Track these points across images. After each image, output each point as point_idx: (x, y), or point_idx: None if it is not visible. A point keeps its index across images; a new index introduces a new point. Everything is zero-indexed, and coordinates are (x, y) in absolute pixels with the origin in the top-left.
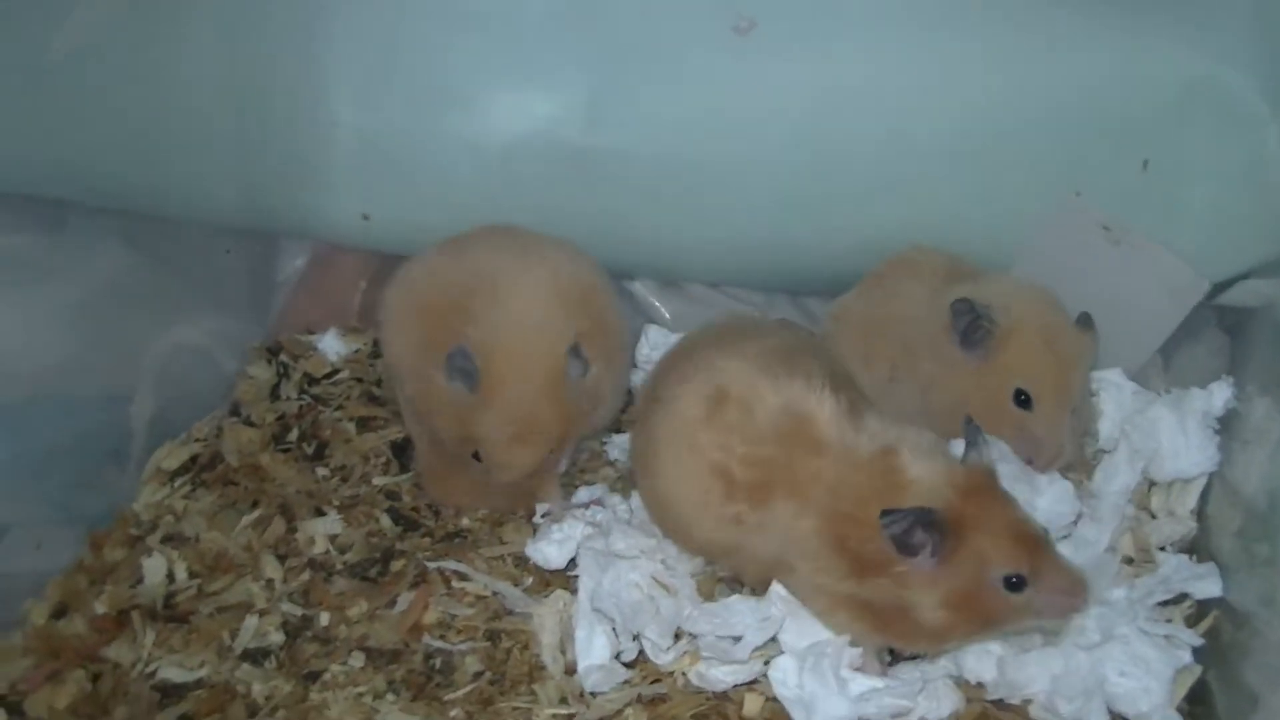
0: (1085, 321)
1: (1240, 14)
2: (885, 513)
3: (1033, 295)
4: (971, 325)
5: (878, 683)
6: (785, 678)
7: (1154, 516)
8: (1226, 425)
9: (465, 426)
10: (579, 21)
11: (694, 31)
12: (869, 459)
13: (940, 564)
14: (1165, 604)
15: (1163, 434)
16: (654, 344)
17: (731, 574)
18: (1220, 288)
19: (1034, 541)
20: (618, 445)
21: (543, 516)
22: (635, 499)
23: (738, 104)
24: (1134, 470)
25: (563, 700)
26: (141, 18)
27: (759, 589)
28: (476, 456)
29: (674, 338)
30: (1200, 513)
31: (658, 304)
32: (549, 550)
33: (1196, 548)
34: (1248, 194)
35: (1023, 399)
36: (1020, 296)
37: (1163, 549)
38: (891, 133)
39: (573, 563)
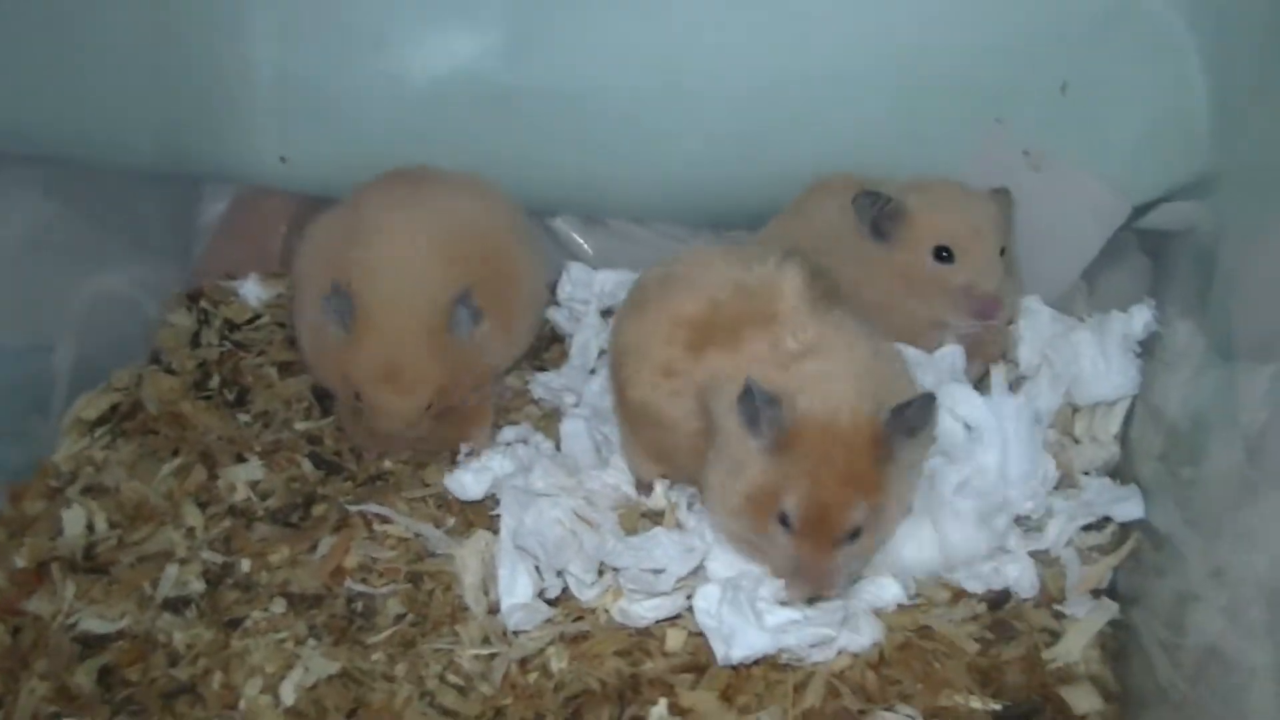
0: (1000, 192)
1: None
2: (747, 389)
3: (936, 181)
4: (878, 214)
5: (795, 614)
6: (709, 607)
7: (1077, 441)
8: (1148, 349)
9: (341, 367)
10: None
11: None
12: None
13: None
14: (1088, 528)
15: (1084, 358)
16: (576, 281)
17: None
18: (1141, 211)
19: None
20: (541, 384)
21: (465, 455)
22: (560, 436)
23: (660, 37)
24: (1055, 394)
25: (485, 640)
26: None
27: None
28: (359, 398)
29: (597, 275)
30: (1123, 437)
31: (580, 240)
32: (465, 479)
33: (1119, 472)
34: (1168, 117)
35: (944, 254)
36: (922, 183)
37: (1086, 474)
38: (814, 61)
39: (494, 501)
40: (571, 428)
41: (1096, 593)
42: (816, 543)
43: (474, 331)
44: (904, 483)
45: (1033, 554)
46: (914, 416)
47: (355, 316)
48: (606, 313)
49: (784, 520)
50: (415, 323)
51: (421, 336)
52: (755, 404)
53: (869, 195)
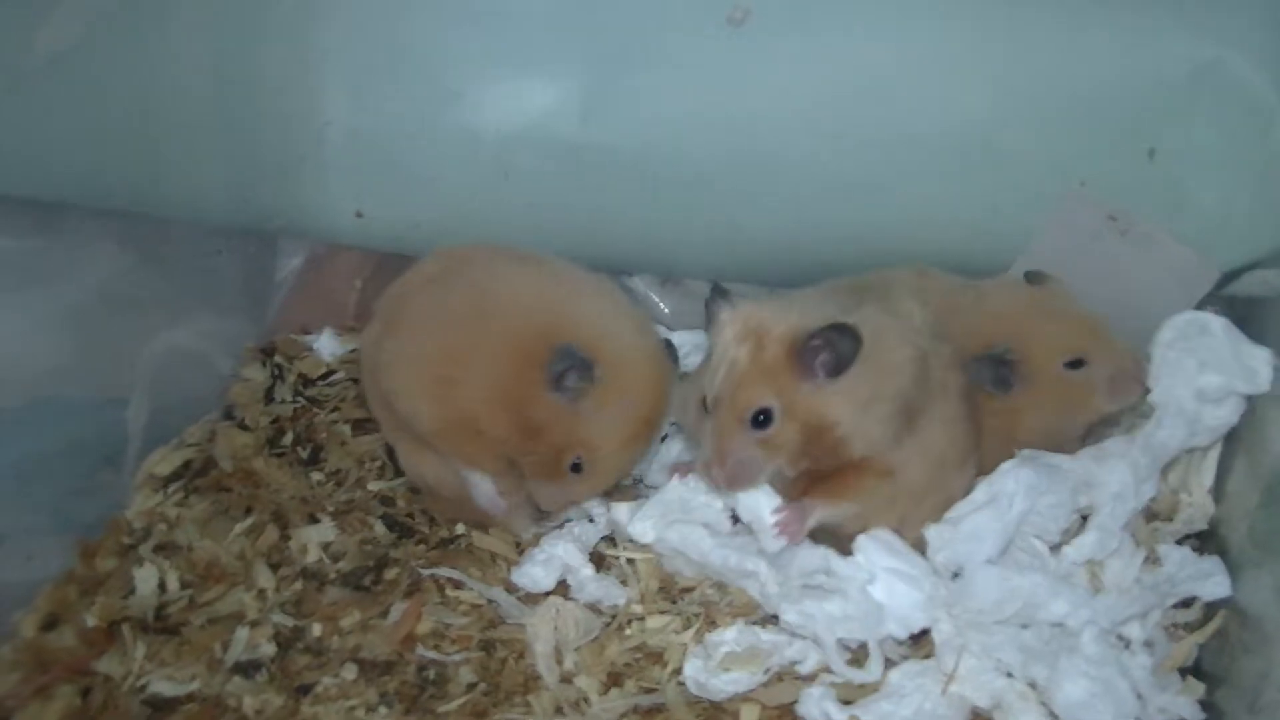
0: (1032, 277)
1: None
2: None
3: (999, 287)
4: (1000, 372)
5: None
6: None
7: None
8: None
9: (569, 435)
10: (573, 15)
11: (689, 23)
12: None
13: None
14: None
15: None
16: None
17: None
18: (1229, 277)
19: None
20: None
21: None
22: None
23: (735, 97)
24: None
25: (558, 711)
26: (130, 14)
27: None
28: (576, 468)
29: (674, 336)
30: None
31: (657, 299)
32: (535, 572)
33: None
34: (1255, 183)
35: (1074, 363)
36: (991, 294)
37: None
38: (892, 125)
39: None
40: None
41: (1183, 672)
42: (720, 419)
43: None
44: (853, 409)
45: None
46: (832, 340)
47: (601, 379)
48: (682, 376)
49: (705, 406)
50: (662, 377)
51: (664, 386)
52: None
53: (981, 361)
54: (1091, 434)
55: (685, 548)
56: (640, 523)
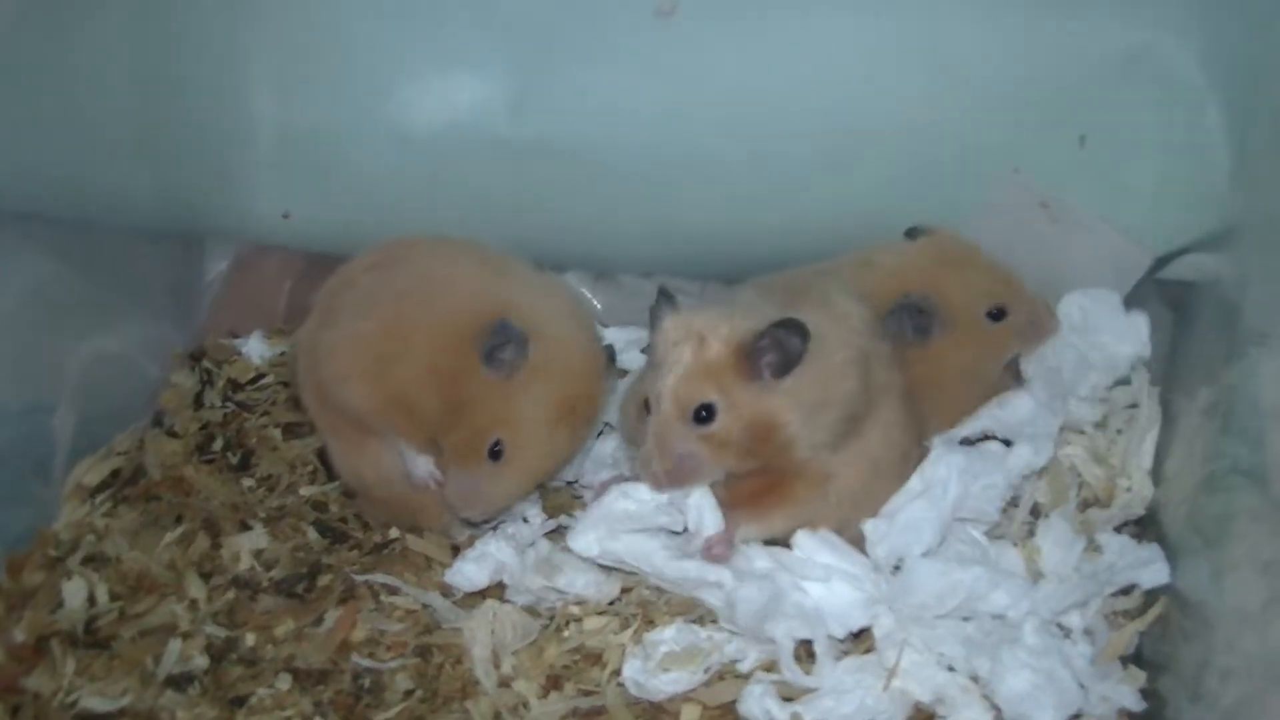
0: (914, 232)
1: None
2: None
3: (922, 244)
4: (920, 321)
5: None
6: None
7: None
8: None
9: (497, 412)
10: (500, 9)
11: (617, 16)
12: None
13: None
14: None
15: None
16: None
17: None
18: (1162, 262)
19: None
20: None
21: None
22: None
23: (665, 88)
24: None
25: (497, 716)
26: (52, 16)
27: None
28: (495, 453)
29: (607, 332)
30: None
31: (590, 295)
32: (468, 569)
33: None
34: (1187, 168)
35: (995, 312)
36: (917, 249)
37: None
38: (824, 114)
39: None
40: None
41: (1124, 660)
42: (662, 414)
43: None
44: (799, 411)
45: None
46: (779, 339)
47: (534, 355)
48: (620, 372)
49: (647, 406)
50: (595, 366)
51: (595, 369)
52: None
53: (900, 309)
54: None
55: (636, 560)
56: (582, 535)
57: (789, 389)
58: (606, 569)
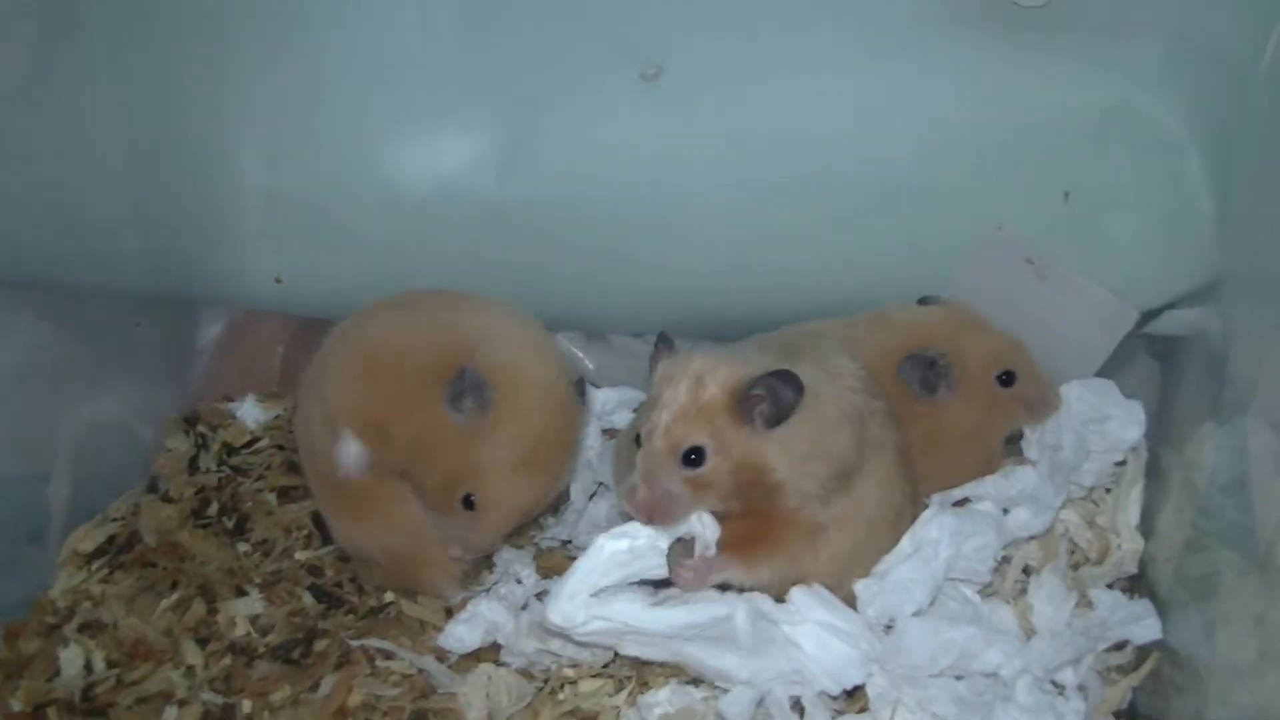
0: (927, 301)
1: (1156, 38)
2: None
3: (946, 308)
4: (929, 373)
5: None
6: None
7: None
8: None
9: (463, 459)
10: (486, 74)
11: (603, 80)
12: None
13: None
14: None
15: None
16: None
17: None
18: (1148, 317)
19: None
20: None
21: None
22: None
23: (651, 151)
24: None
25: None
26: (41, 84)
27: None
28: (468, 503)
29: (599, 393)
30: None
31: (582, 356)
32: (459, 631)
33: (1145, 567)
34: (1170, 223)
35: (1006, 377)
36: (936, 313)
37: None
38: (810, 172)
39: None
40: None
41: (1118, 715)
42: (652, 449)
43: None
44: (790, 460)
45: None
46: (773, 389)
47: (495, 400)
48: (609, 431)
49: (638, 441)
50: (555, 397)
51: (560, 411)
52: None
53: (912, 360)
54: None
55: (629, 620)
56: (565, 603)
57: (780, 439)
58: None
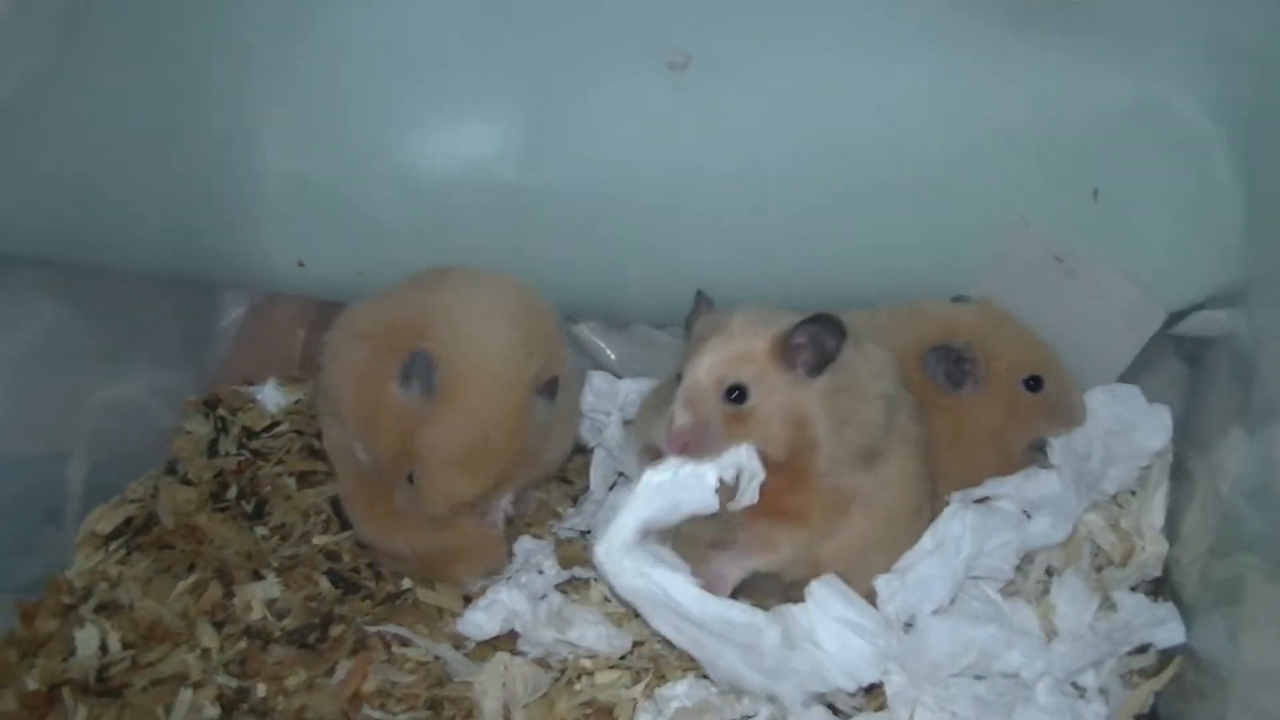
0: (958, 300)
1: (1184, 34)
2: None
3: (979, 305)
4: (954, 368)
5: None
6: None
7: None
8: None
9: (407, 440)
10: (509, 60)
11: (628, 68)
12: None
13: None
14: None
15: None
16: (598, 391)
17: None
18: (1175, 317)
19: None
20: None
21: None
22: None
23: (677, 140)
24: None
25: None
26: (64, 68)
27: None
28: (411, 479)
29: (621, 384)
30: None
31: (603, 345)
32: (478, 618)
33: (1169, 571)
34: (1200, 221)
35: (1033, 381)
36: (966, 309)
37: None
38: (836, 165)
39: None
40: None
41: (1139, 719)
42: (694, 382)
43: (546, 418)
44: (828, 419)
45: None
46: (815, 335)
47: (440, 387)
48: (630, 423)
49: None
50: (501, 399)
51: (504, 414)
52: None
53: (938, 351)
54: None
55: (670, 589)
56: (614, 543)
57: (822, 390)
58: (618, 623)
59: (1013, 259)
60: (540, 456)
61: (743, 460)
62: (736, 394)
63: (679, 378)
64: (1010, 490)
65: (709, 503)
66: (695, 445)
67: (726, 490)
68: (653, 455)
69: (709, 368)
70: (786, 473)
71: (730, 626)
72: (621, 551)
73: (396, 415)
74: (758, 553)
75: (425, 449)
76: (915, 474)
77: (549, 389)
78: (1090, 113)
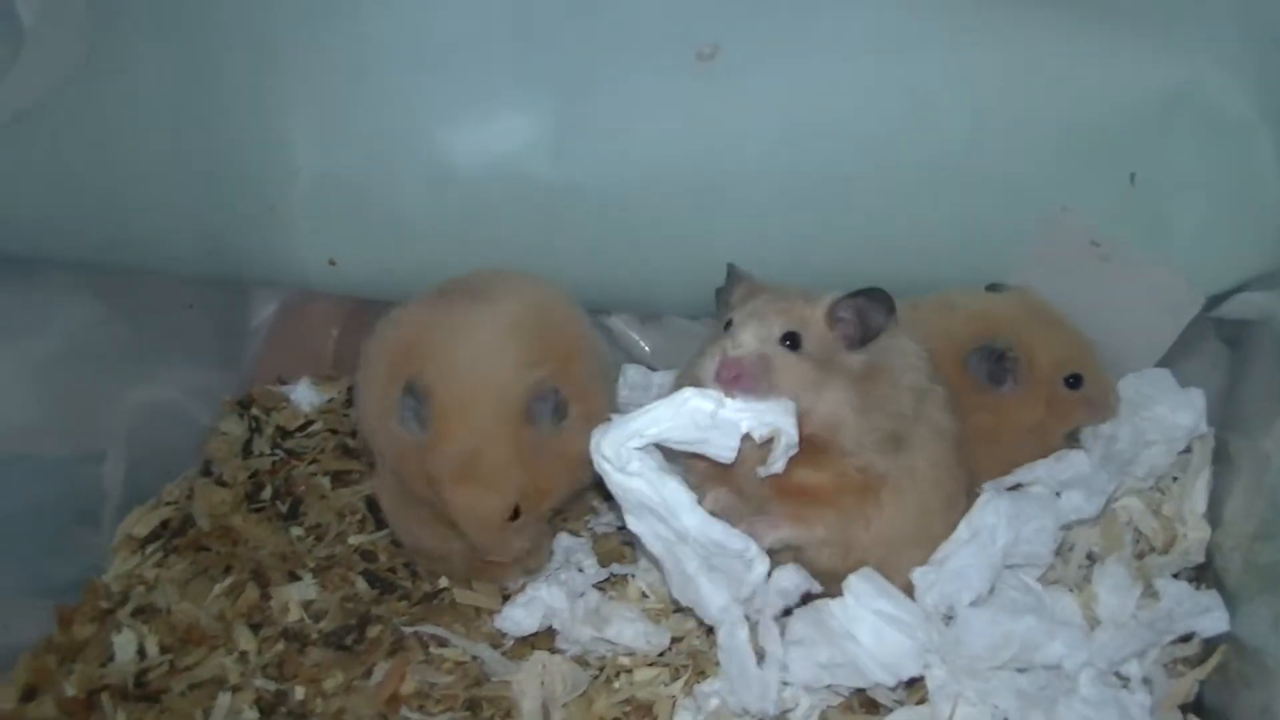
0: (995, 289)
1: (1224, 19)
2: None
3: (1017, 295)
4: (996, 367)
5: None
6: None
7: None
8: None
9: (423, 470)
10: (539, 54)
11: (658, 59)
12: None
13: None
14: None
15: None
16: (633, 384)
17: None
18: (1215, 300)
19: None
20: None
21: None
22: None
23: (707, 131)
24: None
25: None
26: (92, 68)
27: None
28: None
29: (655, 375)
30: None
31: (638, 339)
32: (517, 615)
33: (1211, 557)
34: (1239, 204)
35: (1073, 379)
36: (1004, 300)
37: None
38: (869, 154)
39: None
40: None
41: (1184, 709)
42: (747, 324)
43: (560, 425)
44: (856, 404)
45: None
46: (862, 309)
47: (433, 415)
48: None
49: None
50: (492, 413)
51: (498, 427)
52: None
53: (981, 351)
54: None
55: (670, 501)
56: (622, 437)
57: (858, 372)
58: (656, 619)
59: (1050, 246)
60: (562, 468)
61: (780, 421)
62: (790, 341)
63: (728, 324)
64: (1042, 474)
65: (727, 451)
66: (748, 378)
67: (757, 452)
68: None
69: (770, 311)
70: (810, 449)
71: (720, 549)
72: (630, 447)
73: (412, 450)
74: (790, 524)
75: (433, 474)
76: (947, 465)
77: (552, 393)
78: (1128, 98)
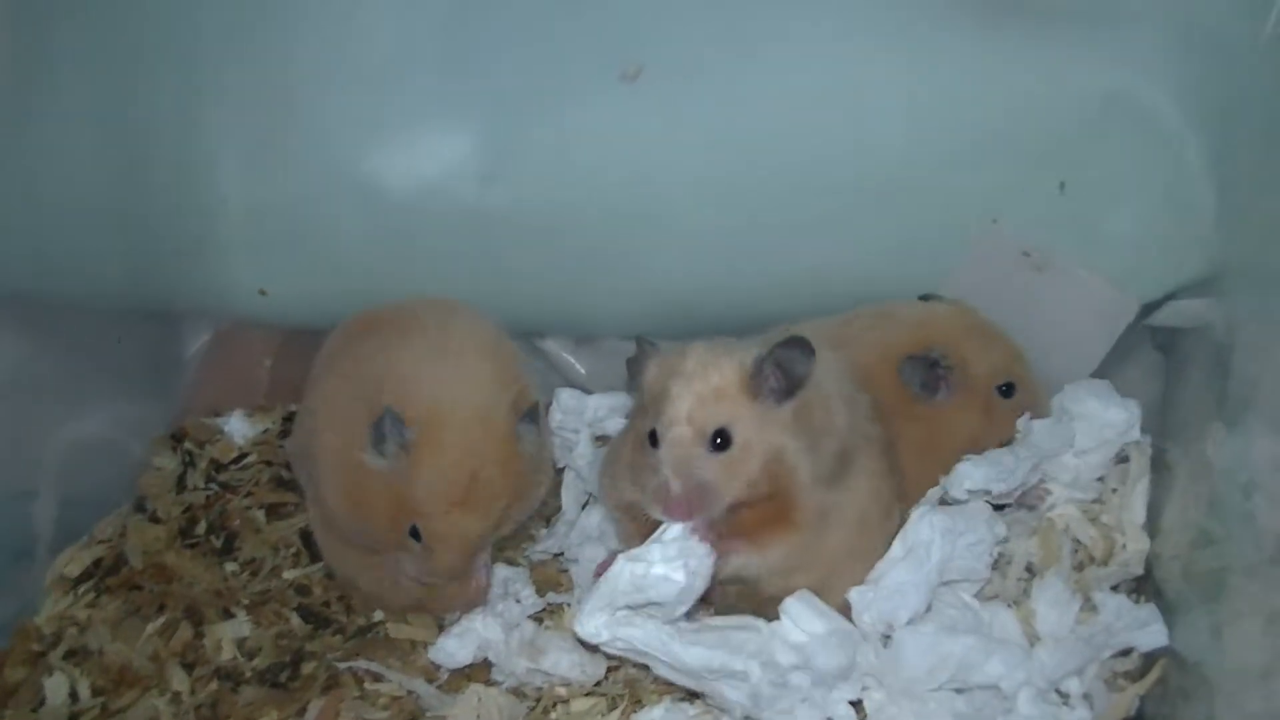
0: (925, 299)
1: (1152, 26)
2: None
3: (948, 306)
4: (929, 376)
5: None
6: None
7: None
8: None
9: (398, 504)
10: (464, 80)
11: (582, 81)
12: None
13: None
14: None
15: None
16: (566, 408)
17: None
18: (1148, 309)
19: None
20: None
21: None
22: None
23: (635, 152)
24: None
25: None
26: (13, 98)
27: None
28: (416, 535)
29: (590, 399)
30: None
31: (573, 361)
32: (450, 645)
33: (1151, 569)
34: (1169, 213)
35: (1007, 388)
36: (935, 311)
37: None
38: (800, 169)
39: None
40: None
41: None
42: (675, 440)
43: (535, 445)
44: (803, 439)
45: None
46: (782, 360)
47: (418, 439)
48: (600, 439)
49: (653, 439)
50: (484, 434)
51: (489, 449)
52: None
53: (914, 361)
54: None
55: (649, 648)
56: (590, 619)
57: (795, 414)
58: (592, 648)
59: (983, 256)
60: (533, 487)
61: (689, 553)
62: (721, 439)
63: (651, 435)
64: (965, 468)
65: (681, 601)
66: (699, 507)
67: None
68: (625, 513)
69: (687, 420)
70: (769, 503)
71: (714, 672)
72: (600, 625)
73: (380, 482)
74: (747, 554)
75: (420, 501)
76: (881, 475)
77: (531, 415)
78: (1058, 106)
